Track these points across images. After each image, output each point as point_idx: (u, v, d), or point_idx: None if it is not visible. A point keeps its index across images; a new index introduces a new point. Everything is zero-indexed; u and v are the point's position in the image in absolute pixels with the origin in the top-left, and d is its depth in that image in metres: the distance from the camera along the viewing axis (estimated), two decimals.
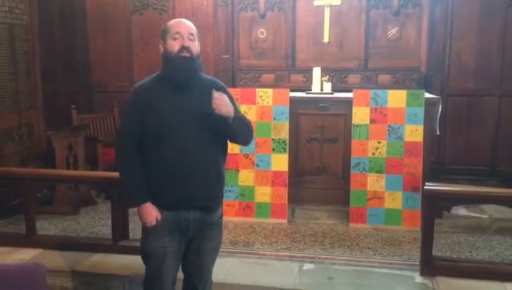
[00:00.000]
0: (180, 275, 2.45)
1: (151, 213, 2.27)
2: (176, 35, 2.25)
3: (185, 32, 2.25)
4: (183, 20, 2.33)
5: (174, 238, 2.30)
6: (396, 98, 4.22)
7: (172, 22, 2.33)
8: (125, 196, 2.45)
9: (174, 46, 2.24)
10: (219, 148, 2.35)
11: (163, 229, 2.28)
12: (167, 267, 2.31)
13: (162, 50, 2.31)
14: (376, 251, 3.74)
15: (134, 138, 2.27)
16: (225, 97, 2.21)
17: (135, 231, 3.47)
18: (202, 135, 2.24)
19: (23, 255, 3.54)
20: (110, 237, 3.67)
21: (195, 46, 2.28)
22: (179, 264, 2.40)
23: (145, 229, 2.33)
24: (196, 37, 2.29)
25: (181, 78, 2.23)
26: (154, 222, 2.27)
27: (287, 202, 4.38)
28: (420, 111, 4.18)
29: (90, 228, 4.24)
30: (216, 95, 2.17)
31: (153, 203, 2.28)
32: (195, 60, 2.26)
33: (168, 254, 2.29)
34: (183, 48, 2.23)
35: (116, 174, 2.36)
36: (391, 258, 3.60)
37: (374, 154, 4.25)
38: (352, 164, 4.30)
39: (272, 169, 4.39)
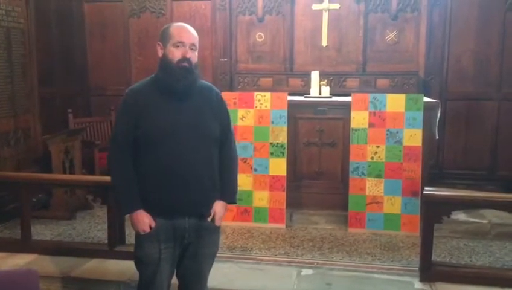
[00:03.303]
0: (175, 280, 2.41)
1: (143, 220, 2.23)
2: (178, 44, 2.20)
3: (188, 42, 2.21)
4: (187, 27, 2.26)
5: (169, 245, 2.26)
6: (395, 102, 4.20)
7: (175, 26, 2.26)
8: (117, 203, 2.40)
9: (175, 54, 2.19)
10: (214, 155, 2.31)
11: (157, 236, 2.24)
12: (161, 273, 2.27)
13: (160, 54, 2.26)
14: (375, 256, 3.71)
15: (128, 142, 2.22)
16: (216, 213, 2.31)
17: (132, 236, 3.43)
18: (198, 141, 2.21)
19: (18, 261, 3.51)
20: (106, 242, 3.64)
21: (195, 56, 2.25)
22: (174, 270, 2.36)
23: (139, 237, 2.28)
24: (197, 46, 2.26)
25: (179, 87, 2.19)
26: (147, 230, 2.23)
27: (285, 206, 4.35)
28: (419, 115, 4.16)
29: (86, 233, 4.20)
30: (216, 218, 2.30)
31: (147, 210, 2.23)
32: (193, 70, 2.22)
33: (162, 260, 2.25)
34: (184, 59, 2.19)
35: (110, 179, 2.32)
36: (390, 263, 3.57)
37: (372, 158, 4.23)
38: (350, 168, 4.28)
39: (270, 173, 4.36)
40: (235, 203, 2.43)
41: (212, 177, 2.29)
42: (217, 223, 2.33)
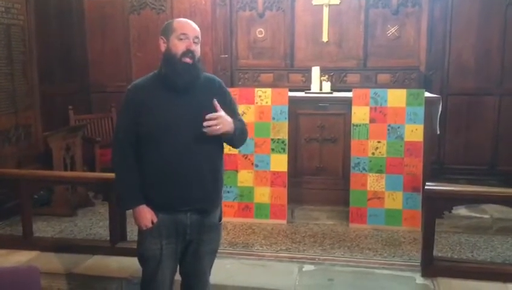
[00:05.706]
0: (178, 277, 2.42)
1: (146, 216, 2.24)
2: (182, 36, 2.19)
3: (191, 34, 2.20)
4: (190, 21, 2.26)
5: (171, 241, 2.26)
6: (396, 97, 4.19)
7: (178, 20, 2.26)
8: (120, 199, 2.40)
9: (179, 47, 2.18)
10: (217, 151, 2.31)
11: (159, 232, 2.24)
12: (164, 269, 2.28)
13: (163, 48, 2.24)
14: (376, 251, 3.71)
15: (131, 138, 2.22)
16: (222, 116, 2.14)
17: (133, 232, 3.44)
18: (199, 136, 2.19)
19: (20, 258, 3.51)
20: (108, 238, 3.64)
21: (198, 50, 2.24)
22: (176, 266, 2.37)
23: (141, 232, 2.29)
24: (200, 39, 2.26)
25: (181, 83, 2.19)
26: (149, 225, 2.24)
27: (286, 202, 4.35)
28: (420, 110, 4.15)
29: (88, 230, 4.21)
30: (212, 119, 2.10)
31: (149, 205, 2.24)
32: (197, 65, 2.22)
33: (164, 256, 2.26)
34: (188, 52, 2.18)
35: (114, 175, 2.33)
36: (392, 259, 3.57)
37: (373, 154, 4.22)
38: (352, 164, 4.27)
39: (271, 169, 4.35)
40: (236, 131, 2.25)
41: (214, 172, 2.29)
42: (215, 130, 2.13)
